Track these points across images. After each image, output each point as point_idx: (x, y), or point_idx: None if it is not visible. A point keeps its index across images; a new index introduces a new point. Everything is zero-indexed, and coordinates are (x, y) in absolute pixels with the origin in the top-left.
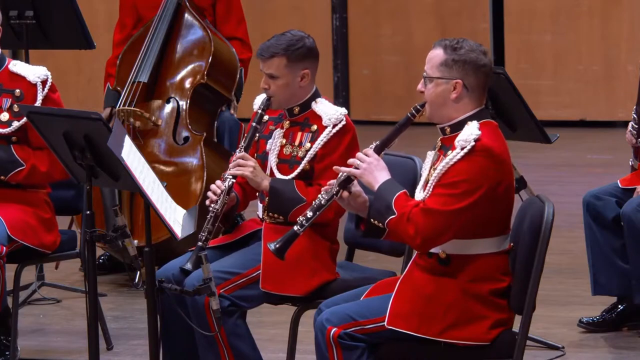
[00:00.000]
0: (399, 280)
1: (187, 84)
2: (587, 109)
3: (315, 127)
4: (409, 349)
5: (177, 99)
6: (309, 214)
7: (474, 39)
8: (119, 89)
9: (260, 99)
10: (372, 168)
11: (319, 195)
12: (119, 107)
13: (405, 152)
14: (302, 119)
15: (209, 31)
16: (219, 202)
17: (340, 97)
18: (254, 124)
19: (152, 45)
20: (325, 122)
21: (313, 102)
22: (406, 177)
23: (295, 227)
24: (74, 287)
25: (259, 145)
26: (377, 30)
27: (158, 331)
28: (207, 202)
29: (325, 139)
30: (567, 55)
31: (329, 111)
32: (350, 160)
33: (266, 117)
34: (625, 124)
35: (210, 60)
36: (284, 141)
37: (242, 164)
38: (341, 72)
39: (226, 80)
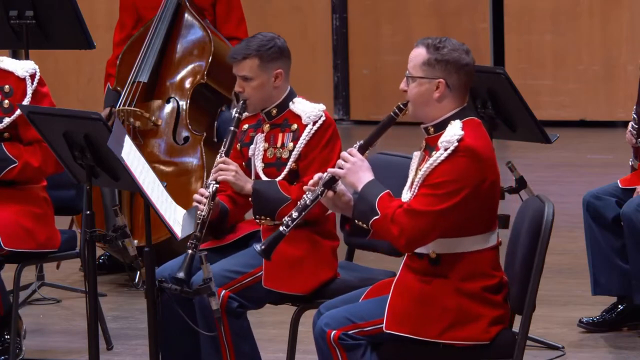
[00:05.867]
0: (393, 284)
1: (187, 84)
2: (587, 109)
3: (295, 126)
4: (409, 350)
5: (177, 98)
6: (294, 214)
7: (474, 39)
8: (119, 89)
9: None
10: (356, 168)
11: (304, 196)
12: (119, 107)
13: (403, 152)
14: (281, 120)
15: (209, 31)
16: (204, 208)
17: (340, 97)
18: (231, 127)
19: (152, 45)
20: (305, 120)
21: (290, 102)
22: (405, 177)
23: (281, 228)
24: (74, 287)
25: (242, 153)
26: (377, 30)
27: (158, 331)
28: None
29: (307, 138)
30: (567, 55)
31: (307, 109)
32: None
33: (245, 126)
34: (625, 124)
35: (210, 60)
36: (266, 145)
37: (223, 169)
38: (341, 72)
39: (226, 80)
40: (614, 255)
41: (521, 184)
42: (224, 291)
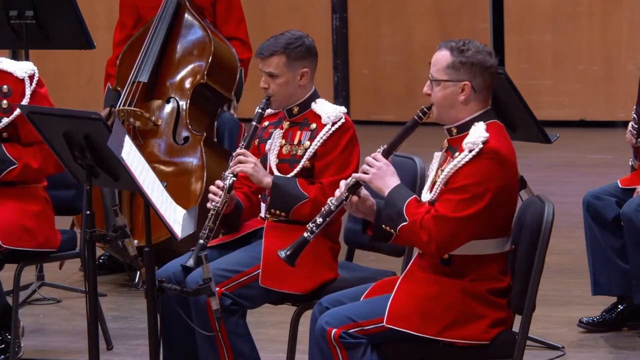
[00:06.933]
0: (399, 280)
1: (187, 84)
2: (587, 109)
3: (314, 125)
4: (409, 348)
5: (177, 99)
6: (319, 220)
7: (474, 38)
8: (119, 89)
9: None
10: (381, 173)
11: (328, 202)
12: (119, 107)
13: (407, 152)
14: (302, 119)
15: (209, 31)
16: (219, 200)
17: (340, 97)
18: (253, 122)
19: (152, 45)
20: (324, 120)
21: (312, 103)
22: (406, 177)
23: (306, 234)
24: (74, 287)
25: (259, 150)
26: (377, 30)
27: (158, 331)
28: (208, 203)
29: (324, 137)
30: (567, 55)
31: (328, 110)
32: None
33: (266, 123)
34: (625, 124)
35: (210, 60)
36: (283, 141)
37: (242, 161)
38: (341, 72)
39: (226, 80)
40: (614, 255)
41: (521, 184)
42: (217, 289)
